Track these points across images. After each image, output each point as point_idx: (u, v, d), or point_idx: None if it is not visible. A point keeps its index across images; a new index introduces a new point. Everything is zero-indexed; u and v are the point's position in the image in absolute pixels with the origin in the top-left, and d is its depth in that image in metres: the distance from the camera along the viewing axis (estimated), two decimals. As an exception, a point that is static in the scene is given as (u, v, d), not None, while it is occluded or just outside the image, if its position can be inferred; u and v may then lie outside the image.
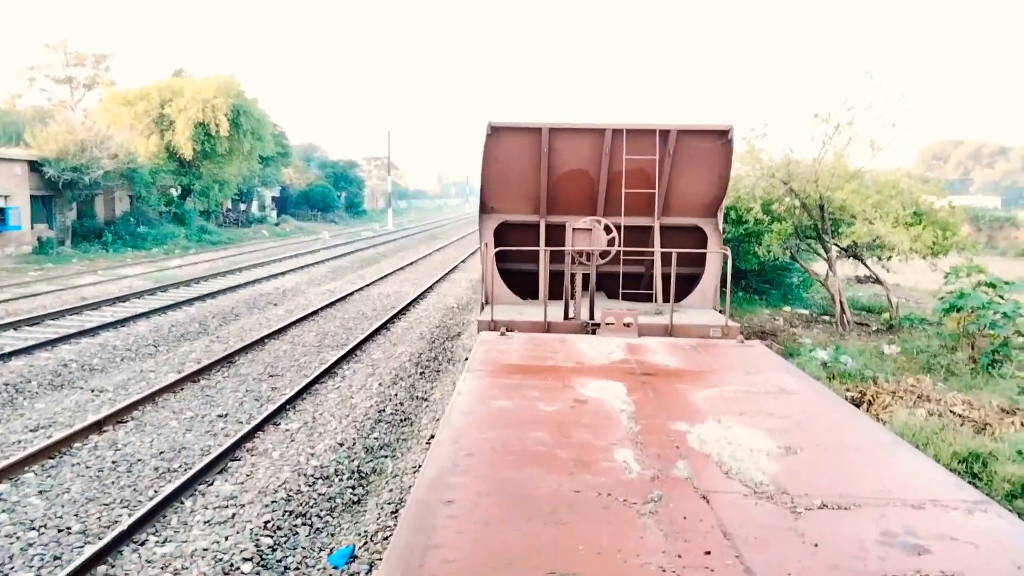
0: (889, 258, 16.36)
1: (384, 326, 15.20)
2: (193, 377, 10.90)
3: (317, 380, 10.90)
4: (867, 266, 16.64)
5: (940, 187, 17.24)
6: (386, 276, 24.06)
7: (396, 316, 16.46)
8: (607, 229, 9.22)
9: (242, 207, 50.68)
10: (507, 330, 8.72)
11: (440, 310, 17.61)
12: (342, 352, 12.50)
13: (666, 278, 10.44)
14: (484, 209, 11.01)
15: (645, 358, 6.79)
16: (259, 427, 8.70)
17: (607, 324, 7.72)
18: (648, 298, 10.51)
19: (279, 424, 8.99)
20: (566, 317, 8.93)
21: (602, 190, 10.57)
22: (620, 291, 10.37)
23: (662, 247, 10.56)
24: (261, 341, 13.44)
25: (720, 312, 10.04)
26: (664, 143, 10.17)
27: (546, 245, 10.78)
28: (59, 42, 46.56)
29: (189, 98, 35.42)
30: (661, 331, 8.69)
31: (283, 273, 23.96)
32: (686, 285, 10.69)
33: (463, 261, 29.18)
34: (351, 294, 19.62)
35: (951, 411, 8.17)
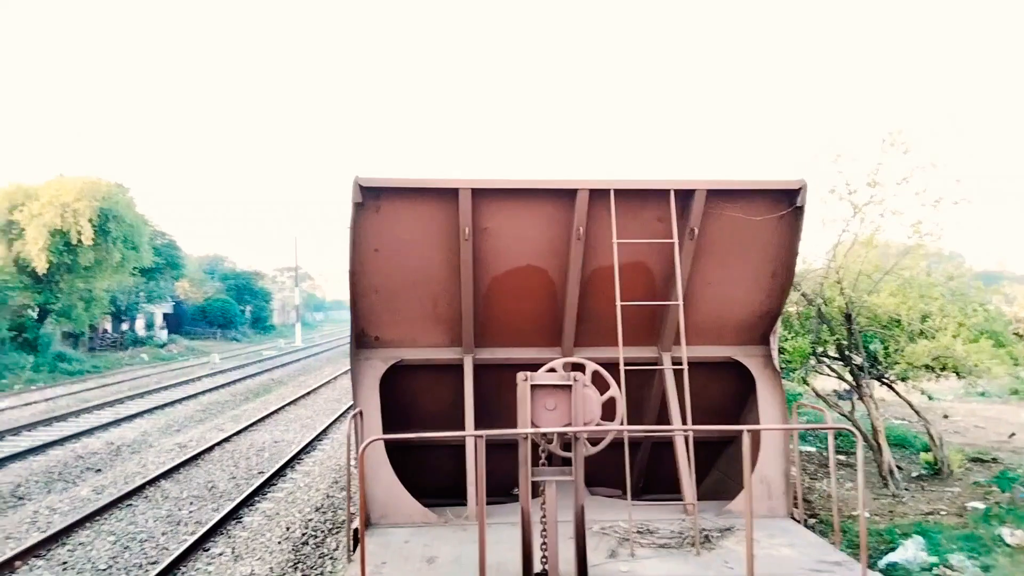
0: (910, 377, 12.52)
1: (234, 513, 10.03)
2: None
3: None
4: (896, 392, 12.68)
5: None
6: (271, 414, 18.79)
7: (261, 489, 11.30)
8: (598, 380, 4.75)
9: (124, 326, 44.34)
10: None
11: (329, 473, 12.54)
12: (139, 585, 7.33)
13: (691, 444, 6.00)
14: (361, 340, 6.41)
15: None
16: None
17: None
18: (664, 491, 5.97)
19: None
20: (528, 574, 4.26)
21: (571, 302, 6.17)
22: (626, 487, 5.65)
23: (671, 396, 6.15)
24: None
25: (800, 523, 5.58)
26: (683, 215, 5.90)
27: (477, 402, 6.20)
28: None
29: (45, 202, 30.00)
30: None
31: (133, 416, 18.38)
32: (709, 458, 6.31)
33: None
34: (210, 449, 14.31)
35: None
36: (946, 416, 19.21)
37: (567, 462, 4.45)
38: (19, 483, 11.91)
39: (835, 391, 18.07)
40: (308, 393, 23.21)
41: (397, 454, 6.63)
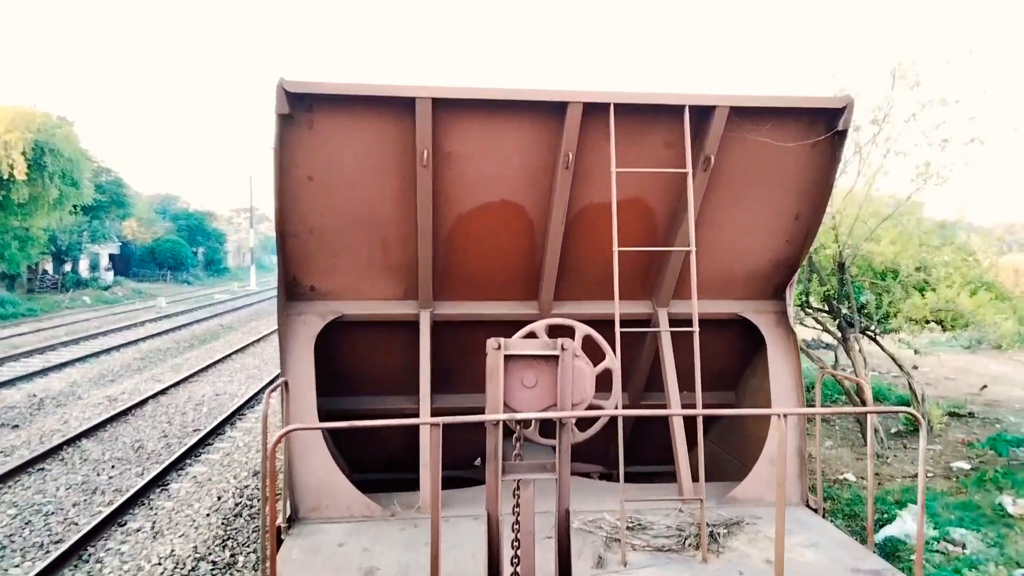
0: (897, 329, 11.87)
1: (160, 479, 8.93)
2: None
3: None
4: (880, 345, 11.98)
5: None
6: (216, 363, 17.55)
7: (195, 449, 10.20)
8: (588, 347, 3.67)
9: (66, 267, 42.06)
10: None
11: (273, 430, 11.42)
12: None
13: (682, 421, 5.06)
14: (291, 291, 5.25)
15: None
16: None
17: None
18: (648, 461, 5.03)
19: None
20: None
21: (554, 246, 5.08)
22: (617, 472, 4.64)
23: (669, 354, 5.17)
24: None
25: (817, 513, 4.70)
26: (698, 139, 4.80)
27: (435, 365, 5.13)
28: None
29: (-28, 132, 27.64)
30: None
31: (63, 365, 16.97)
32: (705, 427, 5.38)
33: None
34: (144, 402, 13.10)
35: None
36: (915, 367, 18.86)
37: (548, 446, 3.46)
38: (-81, 442, 10.60)
39: (803, 340, 17.36)
40: (258, 340, 21.95)
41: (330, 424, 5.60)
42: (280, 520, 4.46)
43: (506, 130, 4.73)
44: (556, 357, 3.18)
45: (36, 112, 30.10)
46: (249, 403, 13.25)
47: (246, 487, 8.83)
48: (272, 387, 4.40)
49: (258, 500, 8.44)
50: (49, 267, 41.01)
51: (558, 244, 5.02)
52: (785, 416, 3.15)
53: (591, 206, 4.94)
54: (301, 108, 4.51)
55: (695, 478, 4.82)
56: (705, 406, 5.72)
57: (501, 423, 3.15)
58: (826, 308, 11.08)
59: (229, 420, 11.93)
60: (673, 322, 5.27)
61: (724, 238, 5.16)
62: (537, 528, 3.45)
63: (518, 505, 3.28)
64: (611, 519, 4.36)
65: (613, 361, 3.60)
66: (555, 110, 4.65)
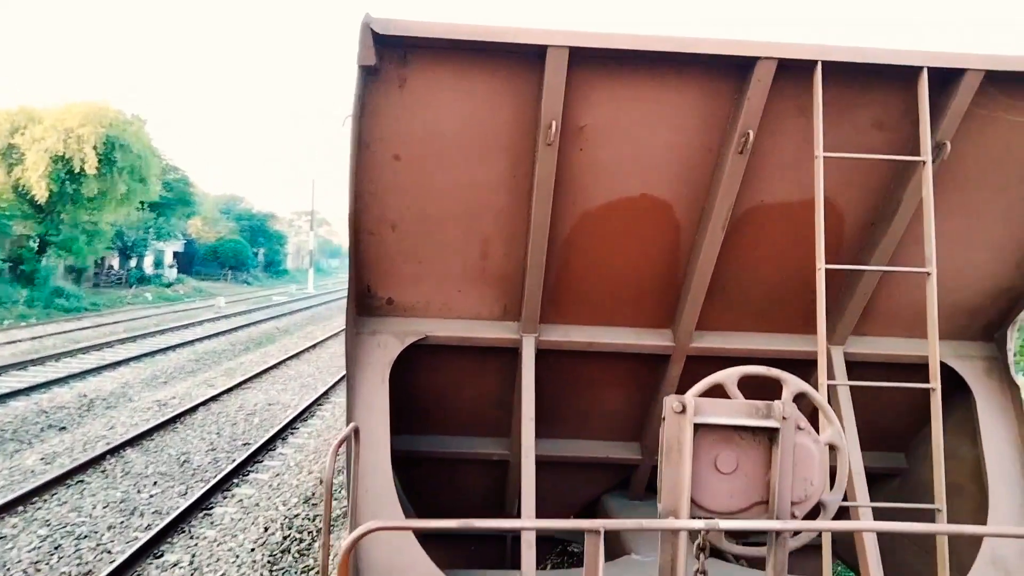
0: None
1: (204, 501, 8.08)
2: None
3: None
4: None
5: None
6: (269, 369, 16.87)
7: (242, 467, 9.36)
8: (801, 405, 2.50)
9: (132, 263, 42.67)
10: None
11: (327, 448, 10.56)
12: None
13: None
14: (364, 304, 4.24)
15: None
16: None
17: None
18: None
19: None
20: None
21: (708, 258, 3.91)
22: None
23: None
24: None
25: None
26: (938, 111, 3.52)
27: (538, 404, 4.07)
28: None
29: (47, 126, 28.00)
30: None
31: (117, 364, 16.53)
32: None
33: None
34: (194, 409, 12.40)
35: None
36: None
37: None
38: (-38, 441, 10.06)
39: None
40: (314, 346, 21.33)
41: (405, 467, 4.59)
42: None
43: (660, 98, 3.52)
44: (776, 431, 2.08)
45: (108, 108, 30.41)
46: (302, 416, 12.42)
47: (295, 516, 7.91)
48: (340, 440, 3.31)
49: (309, 535, 7.50)
50: (115, 262, 41.66)
51: (713, 255, 3.84)
52: None
53: (760, 207, 3.77)
54: (392, 59, 3.42)
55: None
56: (867, 469, 4.51)
57: (682, 534, 2.05)
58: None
59: (280, 435, 11.09)
60: (850, 365, 4.09)
61: (954, 248, 3.91)
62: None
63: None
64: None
65: (839, 434, 2.44)
66: (734, 70, 3.42)
